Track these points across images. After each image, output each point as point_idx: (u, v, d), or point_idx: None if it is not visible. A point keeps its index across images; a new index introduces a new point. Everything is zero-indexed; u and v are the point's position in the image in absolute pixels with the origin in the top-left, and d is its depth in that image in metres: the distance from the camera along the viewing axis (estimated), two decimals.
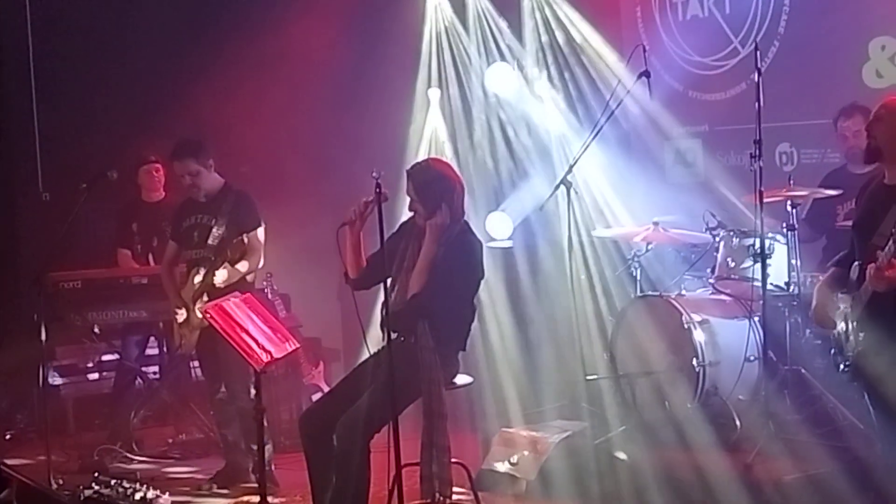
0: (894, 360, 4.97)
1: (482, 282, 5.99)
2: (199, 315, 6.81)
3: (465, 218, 5.93)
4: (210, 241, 7.03)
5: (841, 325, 5.30)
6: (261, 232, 7.12)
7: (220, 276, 6.85)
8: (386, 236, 5.54)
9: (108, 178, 7.22)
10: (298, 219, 8.61)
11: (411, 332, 5.63)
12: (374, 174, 5.40)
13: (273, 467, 7.09)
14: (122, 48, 9.33)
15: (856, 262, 5.18)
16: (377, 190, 5.37)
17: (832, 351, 5.41)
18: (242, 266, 6.98)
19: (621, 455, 6.54)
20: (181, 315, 7.12)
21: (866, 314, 5.11)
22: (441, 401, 5.56)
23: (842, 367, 5.32)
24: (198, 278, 7.01)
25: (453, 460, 5.62)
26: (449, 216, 5.73)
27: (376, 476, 5.59)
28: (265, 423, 7.06)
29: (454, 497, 5.72)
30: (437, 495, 5.51)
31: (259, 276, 7.61)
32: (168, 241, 7.46)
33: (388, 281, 5.62)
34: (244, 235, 6.99)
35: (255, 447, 6.99)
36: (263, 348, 5.85)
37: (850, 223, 5.74)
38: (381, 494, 5.73)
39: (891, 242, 4.87)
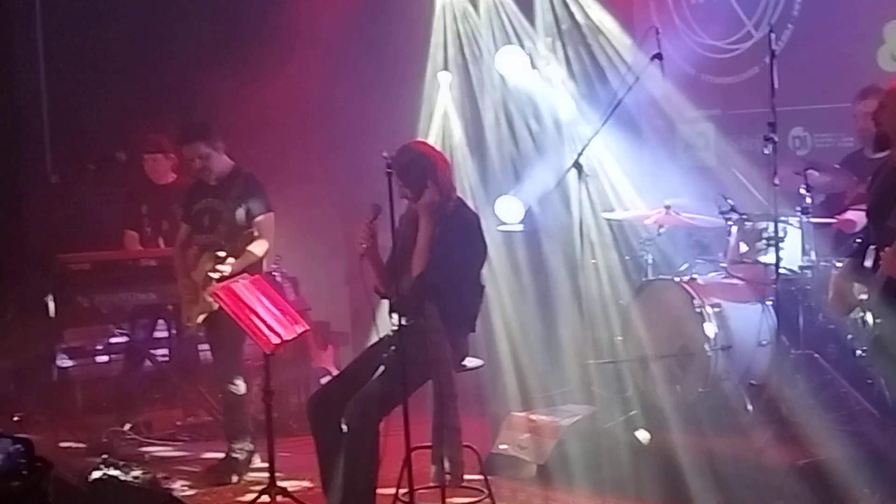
0: None
1: (486, 260, 5.95)
2: (208, 298, 6.78)
3: (464, 193, 5.91)
4: (220, 227, 7.02)
5: (857, 310, 5.26)
6: (270, 217, 7.10)
7: (227, 269, 6.81)
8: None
9: (116, 160, 7.20)
10: (307, 202, 8.59)
11: (420, 313, 5.60)
12: (384, 154, 5.37)
13: (256, 454, 7.12)
14: (131, 31, 9.30)
15: (871, 247, 5.14)
16: (388, 171, 5.33)
17: (848, 336, 5.37)
18: (253, 251, 6.95)
19: (640, 436, 6.48)
20: (189, 295, 7.11)
21: (882, 298, 5.07)
22: (451, 382, 5.54)
23: (858, 351, 5.29)
24: (209, 263, 6.99)
25: (463, 444, 5.59)
26: (437, 193, 5.72)
27: (386, 459, 5.56)
28: (249, 411, 7.14)
29: (464, 482, 5.70)
30: (449, 477, 5.48)
31: (268, 260, 7.57)
32: (178, 224, 7.44)
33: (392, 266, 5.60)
34: (253, 223, 6.97)
35: (233, 442, 7.07)
36: (273, 330, 5.83)
37: (859, 206, 5.71)
38: (391, 477, 5.71)
39: None
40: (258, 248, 6.97)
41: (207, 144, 7.03)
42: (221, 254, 6.85)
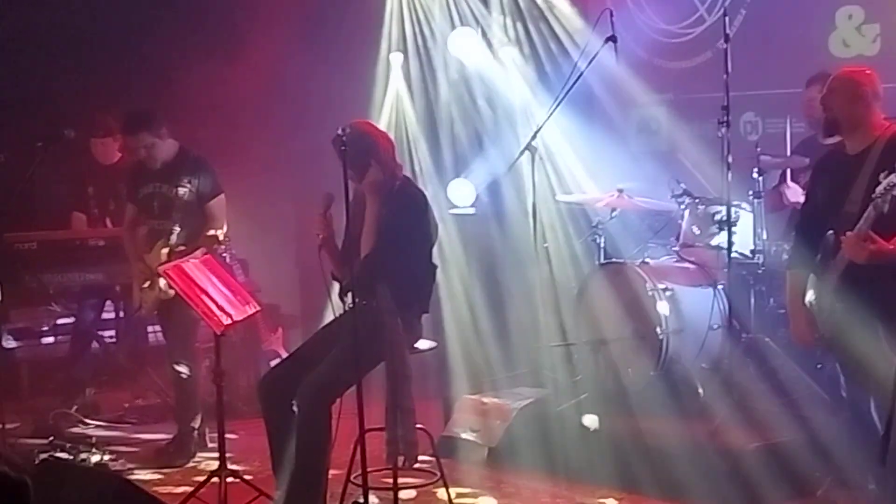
0: (868, 330, 4.96)
1: (436, 238, 5.92)
2: (164, 287, 6.72)
3: (416, 175, 5.87)
4: (174, 214, 6.95)
5: (811, 296, 5.27)
6: (222, 199, 7.05)
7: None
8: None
9: (64, 138, 7.10)
10: (256, 184, 8.54)
11: (371, 294, 5.56)
12: (339, 132, 5.30)
13: (206, 436, 7.08)
14: (79, 9, 9.15)
15: (830, 232, 5.16)
16: (342, 146, 5.27)
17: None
18: (213, 234, 6.89)
19: (586, 422, 6.50)
20: (145, 280, 7.03)
21: (841, 284, 5.09)
22: (405, 363, 5.50)
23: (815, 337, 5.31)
24: (165, 250, 6.91)
25: (417, 426, 5.57)
26: (381, 172, 5.67)
27: (339, 442, 5.52)
28: (199, 393, 7.09)
29: (416, 464, 5.68)
30: (403, 459, 5.46)
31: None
32: (125, 204, 7.36)
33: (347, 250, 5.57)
34: (206, 206, 6.92)
35: (183, 424, 7.04)
36: (224, 310, 5.76)
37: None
38: (342, 460, 5.67)
39: (870, 209, 4.86)
40: (217, 231, 6.90)
41: (152, 133, 6.99)
42: (181, 248, 6.80)
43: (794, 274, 5.46)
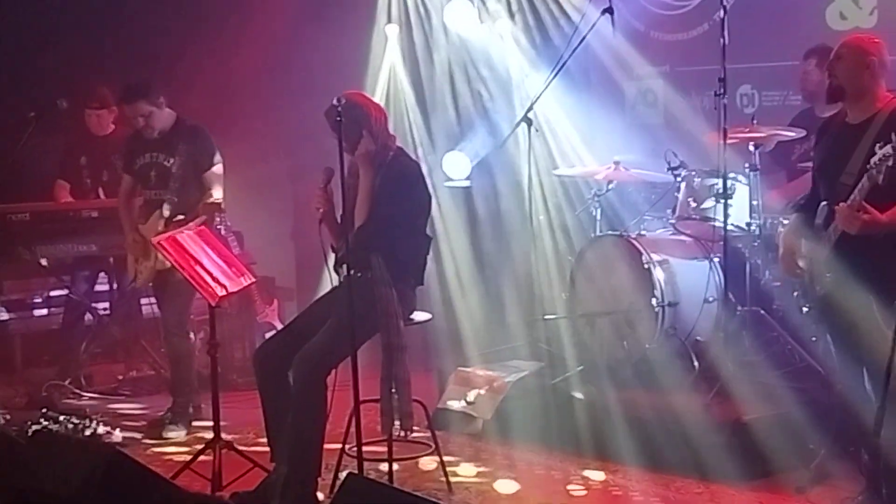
0: (860, 300, 4.96)
1: (430, 209, 5.92)
2: (160, 258, 6.69)
3: (412, 148, 5.85)
4: (171, 183, 6.91)
5: (805, 266, 5.26)
6: (220, 168, 7.01)
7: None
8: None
9: (57, 108, 7.07)
10: (252, 155, 8.49)
11: (366, 266, 5.54)
12: (334, 102, 5.27)
13: (200, 407, 7.10)
14: None
15: (823, 203, 5.14)
16: (338, 118, 5.23)
17: (795, 293, 5.38)
18: (213, 201, 6.87)
19: (578, 395, 6.51)
20: (139, 251, 7.01)
21: (834, 254, 5.08)
22: (399, 334, 5.48)
23: (805, 308, 5.30)
24: (161, 221, 6.88)
25: (413, 398, 5.56)
26: (373, 142, 5.64)
27: (334, 414, 5.52)
28: (194, 365, 7.08)
29: (412, 436, 5.68)
30: (398, 429, 5.45)
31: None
32: (121, 175, 7.32)
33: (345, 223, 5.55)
34: (203, 176, 6.89)
35: (177, 396, 7.04)
36: (218, 282, 5.74)
37: (809, 164, 5.71)
38: (338, 432, 5.67)
39: (864, 179, 4.84)
40: (215, 200, 6.87)
41: (149, 102, 6.94)
42: (179, 218, 6.77)
43: (798, 216, 5.46)
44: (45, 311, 8.53)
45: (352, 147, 5.62)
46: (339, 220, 5.77)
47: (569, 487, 5.91)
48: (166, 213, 6.88)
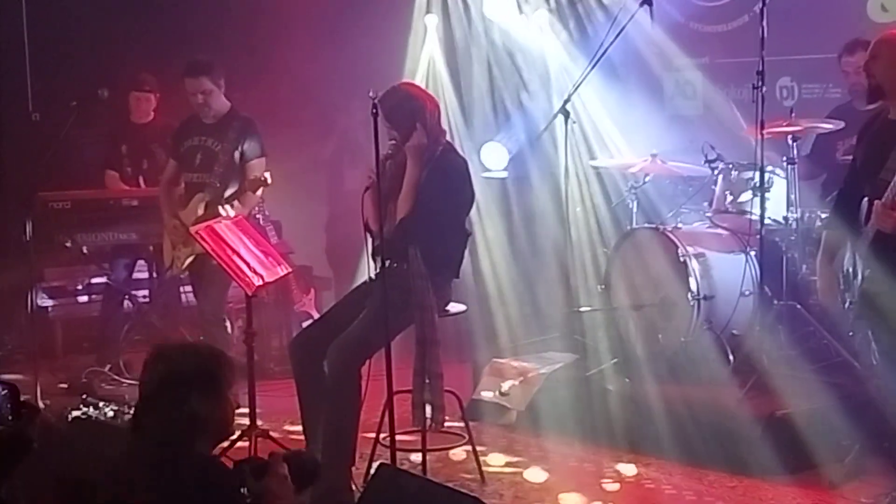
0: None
1: (473, 206, 5.91)
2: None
3: (449, 139, 5.84)
4: (216, 168, 6.96)
5: (847, 261, 5.24)
6: (263, 161, 7.05)
7: (231, 211, 6.76)
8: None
9: (98, 98, 7.14)
10: (291, 147, 8.50)
11: (403, 258, 5.55)
12: (370, 94, 5.29)
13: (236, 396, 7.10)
14: None
15: (865, 199, 5.12)
16: (374, 111, 5.25)
17: (839, 287, 5.35)
18: (249, 197, 6.93)
19: (612, 387, 6.51)
20: (177, 238, 7.06)
21: (871, 250, 5.06)
22: (434, 327, 5.50)
23: (847, 303, 5.28)
24: (201, 205, 6.93)
25: (445, 388, 5.58)
26: (425, 136, 5.63)
27: (368, 403, 5.55)
28: (228, 351, 7.11)
29: (444, 427, 5.70)
30: (430, 422, 5.48)
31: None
32: (166, 161, 7.41)
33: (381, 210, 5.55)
34: (247, 165, 6.95)
35: None
36: (255, 272, 5.79)
37: (850, 157, 5.69)
38: (372, 422, 5.71)
39: None
40: (264, 174, 6.90)
41: (212, 80, 7.00)
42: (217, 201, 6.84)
43: (829, 234, 5.47)
44: (85, 298, 8.63)
45: (404, 138, 5.61)
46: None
47: (601, 480, 5.92)
48: (207, 197, 6.93)
